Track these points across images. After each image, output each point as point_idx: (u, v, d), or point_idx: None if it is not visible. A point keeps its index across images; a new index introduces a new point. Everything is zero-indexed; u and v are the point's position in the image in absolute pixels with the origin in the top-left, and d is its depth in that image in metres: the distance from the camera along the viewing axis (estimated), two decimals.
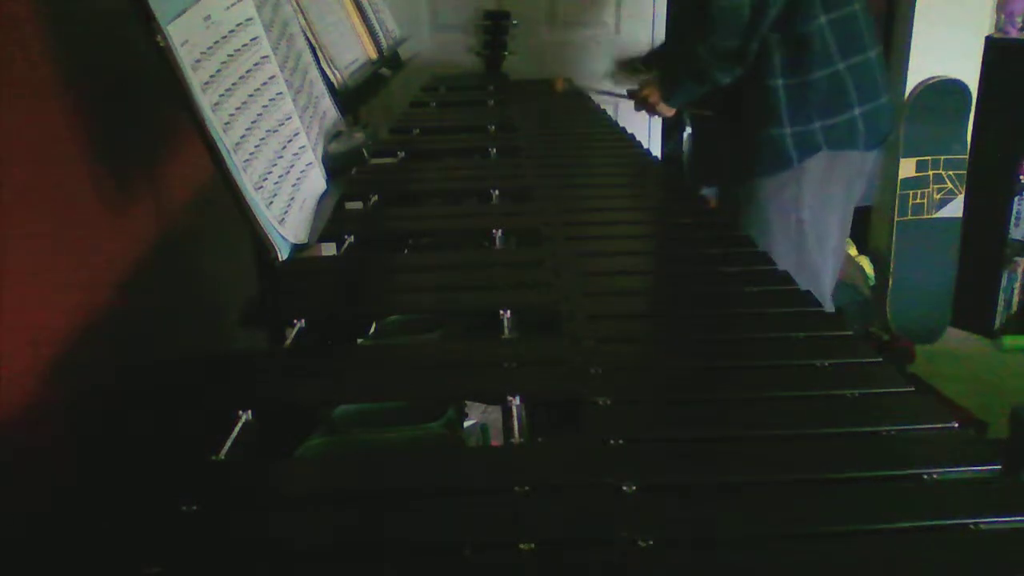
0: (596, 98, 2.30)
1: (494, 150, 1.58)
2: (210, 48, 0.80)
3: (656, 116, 2.00)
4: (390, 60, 1.86)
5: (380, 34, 1.85)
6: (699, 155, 2.24)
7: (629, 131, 1.87)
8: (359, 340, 0.92)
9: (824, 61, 1.61)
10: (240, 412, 0.67)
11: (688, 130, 2.75)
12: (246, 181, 0.79)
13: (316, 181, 1.01)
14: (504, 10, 2.63)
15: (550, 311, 0.87)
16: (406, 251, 1.16)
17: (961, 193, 3.03)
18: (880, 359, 0.77)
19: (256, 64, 0.92)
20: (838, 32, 1.60)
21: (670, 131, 2.82)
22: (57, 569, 0.72)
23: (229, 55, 0.84)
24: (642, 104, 1.93)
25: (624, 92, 2.03)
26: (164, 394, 0.89)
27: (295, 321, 0.84)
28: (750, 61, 1.62)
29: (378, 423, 0.77)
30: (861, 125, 1.65)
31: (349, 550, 0.54)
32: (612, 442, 0.63)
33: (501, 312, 0.85)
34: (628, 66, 2.51)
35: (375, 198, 1.27)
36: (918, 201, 3.03)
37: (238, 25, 0.89)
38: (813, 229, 1.70)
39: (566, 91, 2.34)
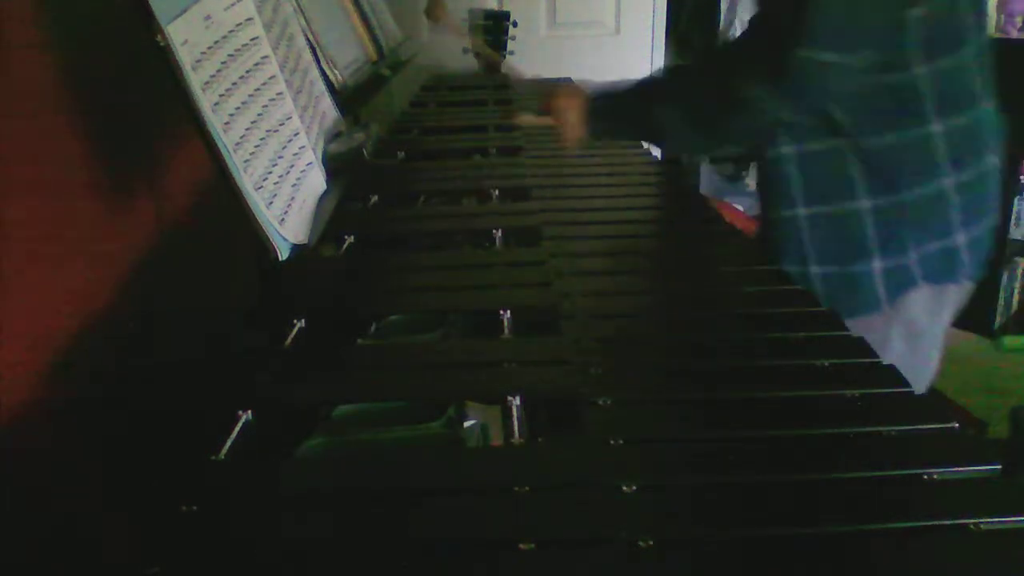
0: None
1: (494, 150, 1.58)
2: (210, 48, 0.80)
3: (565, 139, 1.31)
4: (390, 60, 1.86)
5: (380, 34, 1.85)
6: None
7: None
8: (359, 340, 0.92)
9: (928, 174, 1.13)
10: (240, 412, 0.67)
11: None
12: (246, 181, 0.79)
13: (316, 181, 1.01)
14: (504, 10, 2.63)
15: (550, 311, 0.87)
16: (406, 251, 1.16)
17: None
18: (880, 359, 0.77)
19: (256, 64, 0.92)
20: (954, 140, 1.13)
21: None
22: (57, 569, 0.72)
23: (229, 55, 0.84)
24: (546, 111, 1.34)
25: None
26: (164, 394, 0.89)
27: (295, 321, 0.84)
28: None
29: (378, 423, 0.77)
30: (965, 255, 1.19)
31: (349, 550, 0.54)
32: (612, 442, 0.63)
33: (501, 312, 0.85)
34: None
35: (375, 198, 1.27)
36: None
37: (238, 25, 0.90)
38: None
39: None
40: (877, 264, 1.16)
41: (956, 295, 1.25)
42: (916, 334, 1.21)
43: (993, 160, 1.19)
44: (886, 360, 0.89)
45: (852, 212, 1.14)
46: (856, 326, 0.95)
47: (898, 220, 1.14)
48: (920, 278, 1.17)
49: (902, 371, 0.85)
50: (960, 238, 1.18)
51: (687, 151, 1.25)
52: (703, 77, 1.18)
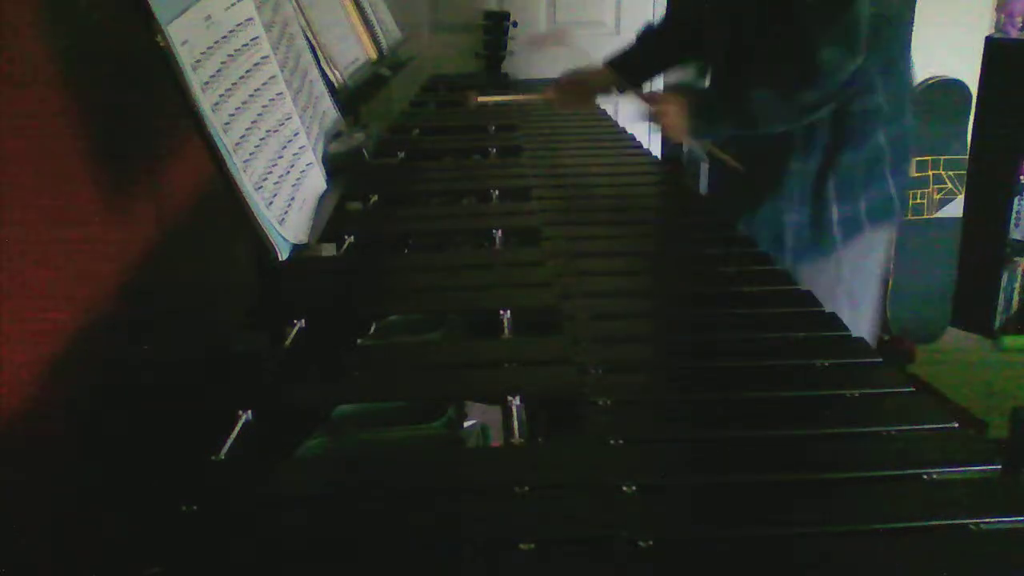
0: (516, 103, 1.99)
1: (494, 150, 1.58)
2: (210, 48, 0.80)
3: (663, 135, 1.68)
4: (390, 60, 1.86)
5: (380, 34, 1.85)
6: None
7: (629, 131, 1.87)
8: (359, 340, 0.92)
9: (872, 135, 1.40)
10: (240, 412, 0.67)
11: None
12: (246, 181, 0.79)
13: (316, 181, 1.01)
14: (504, 10, 2.63)
15: (550, 311, 0.87)
16: (406, 251, 1.16)
17: (961, 193, 3.03)
18: (880, 359, 0.77)
19: (256, 64, 0.92)
20: (890, 104, 1.39)
21: None
22: (57, 569, 0.72)
23: (229, 55, 0.84)
24: (653, 117, 1.52)
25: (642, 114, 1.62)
26: (164, 394, 0.89)
27: (295, 321, 0.84)
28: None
29: (378, 423, 0.77)
30: (896, 196, 1.46)
31: (349, 550, 0.54)
32: (612, 442, 0.63)
33: (501, 312, 0.85)
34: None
35: (375, 198, 1.27)
36: (918, 201, 3.03)
37: (238, 25, 0.90)
38: (847, 305, 1.46)
39: (479, 108, 1.87)
40: (835, 211, 1.41)
41: (886, 234, 1.53)
42: (859, 269, 1.47)
43: (910, 116, 1.46)
44: (839, 294, 1.36)
45: (815, 168, 1.40)
46: (815, 267, 1.39)
47: (852, 174, 1.40)
48: (866, 223, 1.43)
49: (850, 302, 1.28)
50: (892, 186, 1.44)
51: (780, 127, 1.39)
52: (776, 56, 1.35)
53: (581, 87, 1.60)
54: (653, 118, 1.49)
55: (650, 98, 1.50)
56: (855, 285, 1.47)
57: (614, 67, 1.57)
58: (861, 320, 1.49)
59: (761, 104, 1.33)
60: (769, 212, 1.44)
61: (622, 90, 1.57)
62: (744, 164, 1.42)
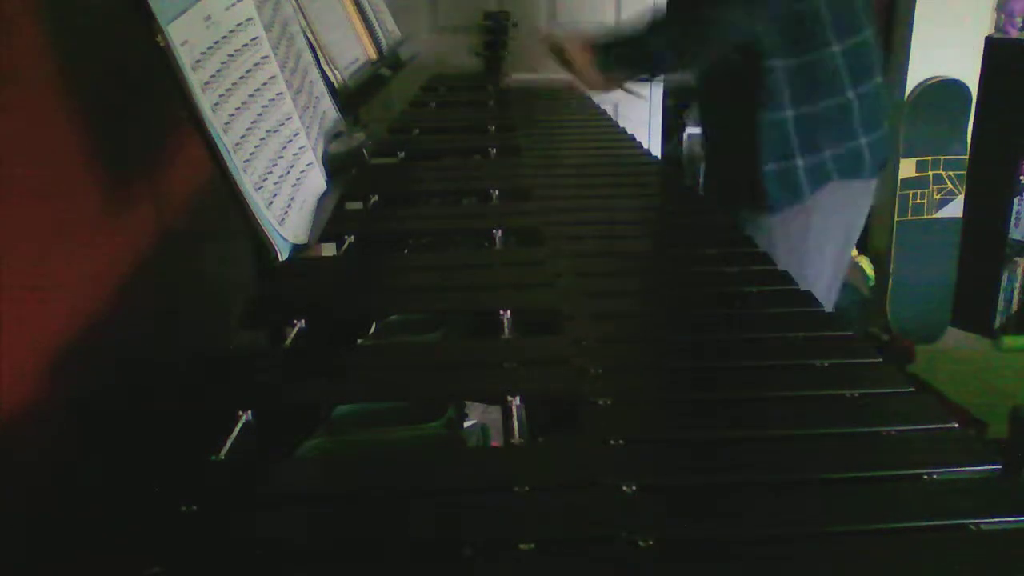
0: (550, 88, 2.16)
1: (494, 150, 1.58)
2: (210, 48, 0.80)
3: (584, 85, 1.69)
4: (390, 60, 1.86)
5: (380, 34, 1.85)
6: (709, 181, 2.05)
7: (629, 131, 1.88)
8: (359, 340, 0.92)
9: (836, 89, 1.51)
10: (240, 412, 0.67)
11: (686, 134, 2.68)
12: (246, 181, 0.79)
13: (316, 181, 1.01)
14: (504, 10, 2.63)
15: (550, 311, 0.87)
16: (406, 251, 1.16)
17: (961, 193, 3.03)
18: (880, 359, 0.77)
19: (256, 64, 0.92)
20: (850, 60, 1.50)
21: (670, 132, 2.82)
22: (58, 569, 0.72)
23: (229, 55, 0.84)
24: (561, 61, 1.65)
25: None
26: (164, 394, 0.89)
27: (295, 321, 0.84)
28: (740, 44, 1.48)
29: (378, 423, 0.77)
30: (867, 153, 1.57)
31: (349, 550, 0.54)
32: (612, 442, 0.63)
33: (501, 312, 0.85)
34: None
35: (375, 198, 1.27)
36: (918, 201, 3.03)
37: (238, 25, 0.90)
38: (818, 259, 1.61)
39: (509, 86, 2.24)
40: (800, 162, 1.52)
41: (860, 191, 1.61)
42: (829, 222, 1.58)
43: (880, 79, 1.58)
44: (810, 245, 1.54)
45: (782, 119, 1.51)
46: (786, 216, 1.53)
47: (814, 126, 1.51)
48: (834, 173, 1.53)
49: (818, 257, 1.50)
50: (863, 140, 1.54)
51: (673, 71, 1.61)
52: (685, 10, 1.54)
53: (559, 51, 1.66)
54: (565, 64, 1.63)
55: (555, 43, 1.65)
56: (823, 237, 1.58)
57: (596, 49, 1.61)
58: (823, 274, 1.60)
59: (655, 46, 1.52)
60: (742, 163, 1.56)
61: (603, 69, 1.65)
62: (717, 119, 1.66)
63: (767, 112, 1.52)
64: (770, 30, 1.43)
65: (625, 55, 1.56)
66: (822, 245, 1.60)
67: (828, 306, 1.64)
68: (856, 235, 1.70)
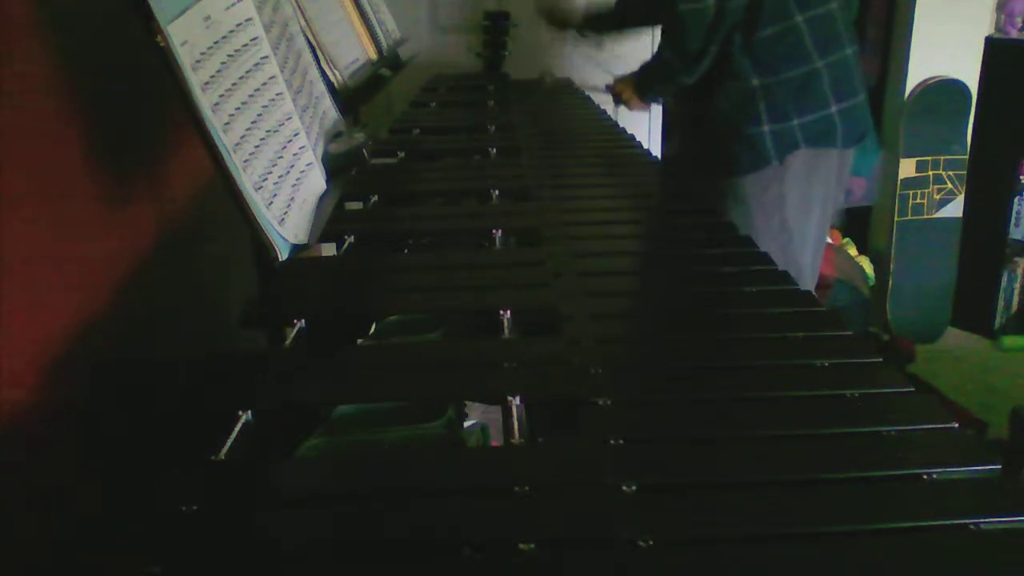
0: (590, 94, 2.30)
1: (494, 150, 1.58)
2: (210, 48, 0.80)
3: (631, 110, 2.04)
4: (390, 60, 1.86)
5: (380, 34, 1.85)
6: (683, 150, 2.24)
7: (629, 131, 1.88)
8: (359, 340, 0.92)
9: (800, 59, 1.63)
10: (240, 412, 0.67)
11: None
12: (246, 181, 0.79)
13: (316, 181, 1.01)
14: (504, 10, 2.63)
15: (550, 311, 0.87)
16: (406, 251, 1.16)
17: (961, 193, 3.03)
18: (880, 359, 0.77)
19: (256, 64, 0.92)
20: (815, 30, 1.62)
21: (670, 131, 2.82)
22: (58, 569, 0.72)
23: (229, 55, 0.84)
24: (618, 99, 2.00)
25: (603, 87, 2.09)
26: (164, 394, 0.89)
27: (295, 321, 0.84)
28: (712, 62, 1.66)
29: (378, 423, 0.77)
30: (839, 122, 1.67)
31: (349, 550, 0.54)
32: (612, 442, 0.63)
33: (501, 312, 0.85)
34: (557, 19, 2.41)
35: (375, 198, 1.27)
36: (918, 201, 3.03)
37: (238, 25, 0.90)
38: (796, 227, 1.72)
39: (552, 85, 2.42)
40: (766, 128, 1.65)
41: (834, 161, 1.71)
42: (803, 193, 1.70)
43: (852, 48, 1.69)
44: (787, 212, 1.69)
45: (749, 88, 1.66)
46: (758, 180, 1.69)
47: (782, 94, 1.64)
48: (802, 142, 1.66)
49: (795, 225, 1.68)
50: (834, 109, 1.65)
51: (691, 75, 1.73)
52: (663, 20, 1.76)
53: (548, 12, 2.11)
54: (618, 102, 2.00)
55: (609, 88, 2.02)
56: (801, 208, 1.70)
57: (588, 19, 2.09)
58: (795, 240, 1.71)
59: (663, 64, 1.72)
60: (711, 131, 1.73)
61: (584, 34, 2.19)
62: (687, 90, 1.79)
63: (733, 81, 1.66)
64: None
65: (654, 84, 1.88)
66: (800, 216, 1.70)
67: (812, 280, 1.83)
68: (834, 207, 1.82)
